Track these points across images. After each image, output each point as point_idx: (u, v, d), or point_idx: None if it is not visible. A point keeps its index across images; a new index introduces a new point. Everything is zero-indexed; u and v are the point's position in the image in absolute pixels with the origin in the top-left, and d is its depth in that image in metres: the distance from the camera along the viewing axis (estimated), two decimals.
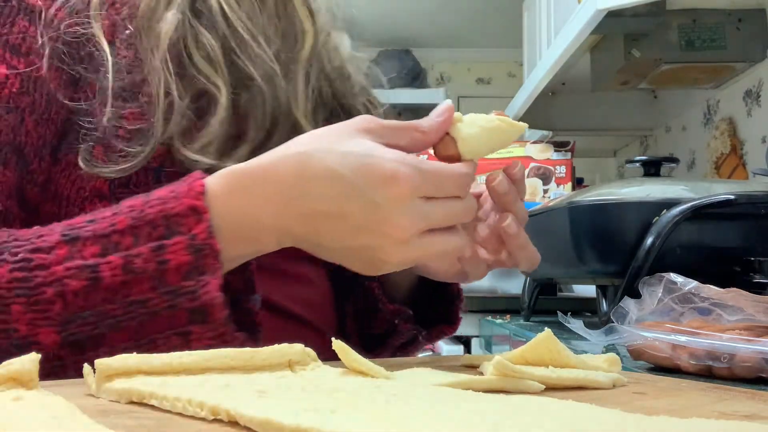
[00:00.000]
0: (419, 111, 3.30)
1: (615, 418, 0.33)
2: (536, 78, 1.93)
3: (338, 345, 0.41)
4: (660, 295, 0.63)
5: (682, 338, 0.54)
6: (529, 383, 0.41)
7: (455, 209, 0.49)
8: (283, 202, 0.47)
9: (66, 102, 0.55)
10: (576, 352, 0.49)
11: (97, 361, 0.37)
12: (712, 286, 0.61)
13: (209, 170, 0.50)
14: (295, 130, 0.57)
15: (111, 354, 0.37)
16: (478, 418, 0.31)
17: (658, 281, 0.64)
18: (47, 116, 0.54)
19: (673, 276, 0.64)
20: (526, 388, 0.41)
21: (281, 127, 0.58)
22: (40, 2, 0.55)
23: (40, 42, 0.54)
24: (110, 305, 0.45)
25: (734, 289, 0.61)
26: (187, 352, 0.39)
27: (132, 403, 0.35)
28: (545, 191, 1.91)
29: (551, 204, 1.03)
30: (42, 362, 0.33)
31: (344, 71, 0.71)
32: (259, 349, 0.41)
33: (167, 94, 0.54)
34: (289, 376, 0.40)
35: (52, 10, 0.55)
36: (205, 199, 0.47)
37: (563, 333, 0.82)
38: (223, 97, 0.55)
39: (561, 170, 1.93)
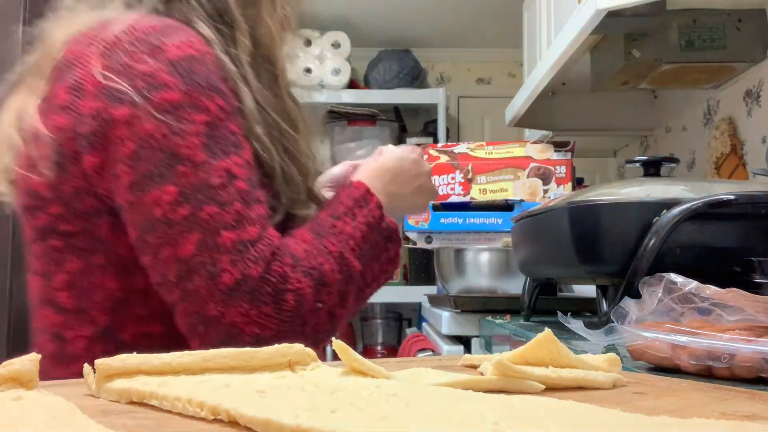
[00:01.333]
0: (419, 111, 3.30)
1: (615, 418, 0.33)
2: (536, 78, 1.93)
3: (338, 345, 0.41)
4: (660, 295, 0.63)
5: (682, 338, 0.54)
6: (529, 383, 0.41)
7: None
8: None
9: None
10: (576, 352, 0.49)
11: (97, 362, 0.37)
12: (711, 286, 0.61)
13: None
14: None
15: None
16: (478, 418, 0.31)
17: (658, 281, 0.64)
18: None
19: (673, 276, 0.64)
20: (527, 388, 0.41)
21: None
22: (237, 105, 0.75)
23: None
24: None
25: (734, 289, 0.61)
26: (187, 352, 0.39)
27: (132, 403, 0.35)
28: (545, 191, 1.91)
29: (551, 204, 1.03)
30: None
31: None
32: (260, 349, 0.41)
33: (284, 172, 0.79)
34: (289, 376, 0.40)
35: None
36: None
37: (563, 333, 0.82)
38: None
39: (561, 170, 1.93)
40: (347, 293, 0.74)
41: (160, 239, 0.66)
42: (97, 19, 0.75)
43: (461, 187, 1.94)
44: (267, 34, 0.80)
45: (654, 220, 0.84)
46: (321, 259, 0.72)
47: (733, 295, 0.60)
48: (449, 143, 2.30)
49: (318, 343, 0.72)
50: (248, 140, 0.74)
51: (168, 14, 0.76)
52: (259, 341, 0.65)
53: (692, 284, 0.62)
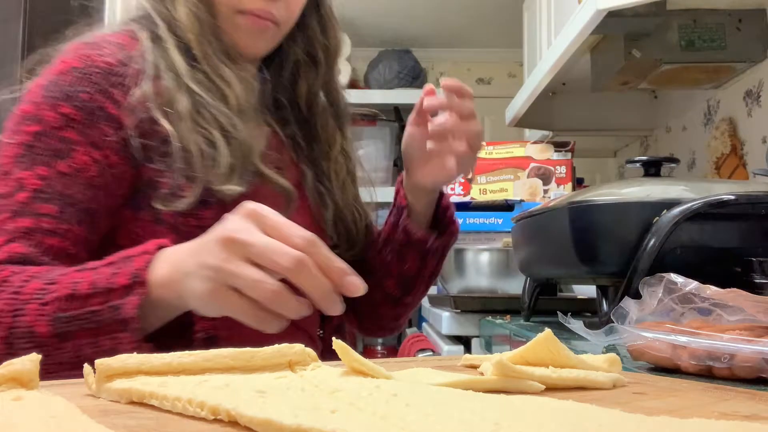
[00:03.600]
0: None
1: (615, 418, 0.33)
2: (536, 78, 1.93)
3: (338, 345, 0.41)
4: (660, 295, 0.63)
5: (683, 339, 0.54)
6: (529, 383, 0.41)
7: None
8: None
9: (136, 172, 0.77)
10: (576, 352, 0.49)
11: (97, 362, 0.37)
12: (712, 287, 0.61)
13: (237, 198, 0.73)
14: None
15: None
16: (478, 418, 0.31)
17: (658, 281, 0.64)
18: (114, 192, 0.77)
19: (674, 276, 0.63)
20: (527, 388, 0.41)
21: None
22: (116, 112, 0.76)
23: (114, 140, 0.76)
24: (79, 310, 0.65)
25: (734, 289, 0.61)
26: (187, 352, 0.39)
27: (132, 403, 0.35)
28: (545, 191, 1.91)
29: (551, 204, 1.03)
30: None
31: None
32: (260, 349, 0.41)
33: (201, 150, 0.77)
34: (289, 376, 0.40)
35: (125, 119, 0.76)
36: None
37: (563, 333, 0.82)
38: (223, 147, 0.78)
39: (561, 170, 1.93)
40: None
41: None
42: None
43: (461, 187, 1.94)
44: (188, 16, 0.82)
45: (654, 221, 0.84)
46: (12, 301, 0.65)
47: (734, 295, 0.60)
48: None
49: None
50: (122, 132, 0.76)
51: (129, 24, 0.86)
52: None
53: (692, 284, 0.62)
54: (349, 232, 0.97)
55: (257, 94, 0.89)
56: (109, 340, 0.63)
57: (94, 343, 0.63)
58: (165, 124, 0.77)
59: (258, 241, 0.57)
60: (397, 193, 0.97)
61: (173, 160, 0.76)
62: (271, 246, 0.57)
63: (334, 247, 0.90)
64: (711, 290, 0.61)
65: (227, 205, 0.72)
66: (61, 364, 0.63)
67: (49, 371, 0.52)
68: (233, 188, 0.76)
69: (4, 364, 0.34)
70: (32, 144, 0.74)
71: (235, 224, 0.59)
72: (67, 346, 0.63)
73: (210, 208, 0.76)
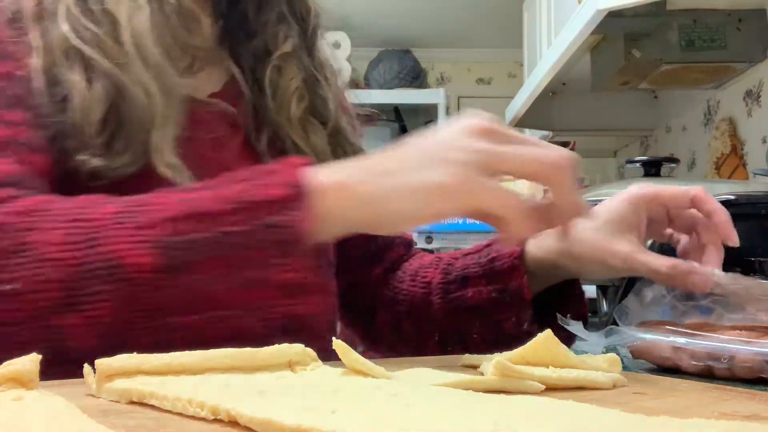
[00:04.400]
0: (419, 111, 3.30)
1: (615, 418, 0.33)
2: (536, 78, 1.93)
3: (338, 345, 0.41)
4: (663, 291, 0.62)
5: (683, 340, 0.54)
6: (529, 383, 0.41)
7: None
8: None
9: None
10: (576, 352, 0.49)
11: (97, 362, 0.37)
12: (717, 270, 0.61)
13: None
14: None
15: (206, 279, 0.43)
16: (478, 418, 0.31)
17: None
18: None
19: None
20: (527, 388, 0.41)
21: None
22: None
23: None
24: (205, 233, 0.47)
25: (737, 275, 0.61)
26: (187, 352, 0.39)
27: (132, 403, 0.35)
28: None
29: None
30: None
31: None
32: (260, 349, 0.41)
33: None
34: (290, 376, 0.40)
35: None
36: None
37: (563, 333, 0.81)
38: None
39: None
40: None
41: None
42: None
43: None
44: None
45: None
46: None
47: (735, 277, 0.59)
48: None
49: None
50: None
51: None
52: None
53: None
54: None
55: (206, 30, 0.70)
56: (259, 269, 0.47)
57: (237, 273, 0.47)
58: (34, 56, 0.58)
59: (515, 138, 0.50)
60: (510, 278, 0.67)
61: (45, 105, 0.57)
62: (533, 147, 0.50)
63: None
64: (715, 274, 0.60)
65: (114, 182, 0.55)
66: (168, 310, 0.46)
67: (139, 329, 0.42)
68: (106, 164, 0.56)
69: (5, 364, 0.34)
70: None
71: (482, 118, 0.50)
72: (184, 282, 0.46)
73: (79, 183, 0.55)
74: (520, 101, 2.14)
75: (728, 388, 0.45)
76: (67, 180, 0.56)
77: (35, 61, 0.58)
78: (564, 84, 1.94)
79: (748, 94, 1.69)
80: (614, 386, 0.45)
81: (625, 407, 0.35)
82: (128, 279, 0.45)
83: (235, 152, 0.68)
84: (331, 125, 0.73)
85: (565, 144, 1.94)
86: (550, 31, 2.11)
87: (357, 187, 0.49)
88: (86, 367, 0.38)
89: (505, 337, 0.66)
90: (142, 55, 0.59)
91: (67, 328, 0.46)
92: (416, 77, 3.22)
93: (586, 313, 0.70)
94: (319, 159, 0.67)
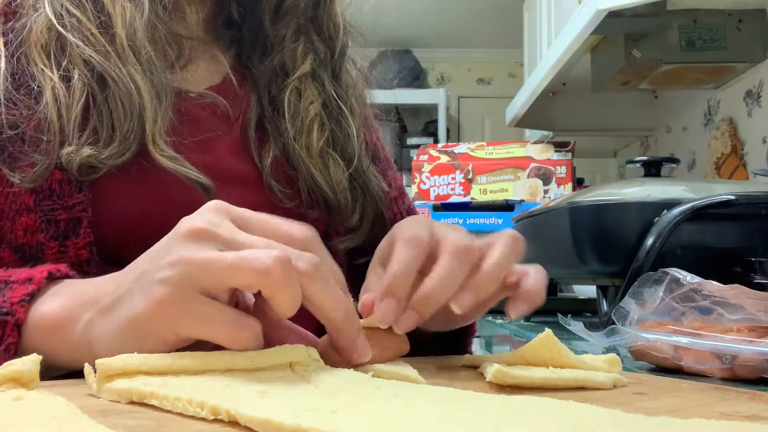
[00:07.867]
0: (419, 111, 3.30)
1: (615, 418, 0.33)
2: (537, 78, 1.93)
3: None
4: (662, 294, 0.62)
5: (684, 340, 0.54)
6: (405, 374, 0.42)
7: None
8: None
9: None
10: (576, 352, 0.49)
11: (97, 361, 0.37)
12: (714, 282, 0.61)
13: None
14: None
15: None
16: (478, 418, 0.31)
17: (663, 275, 0.63)
18: None
19: (676, 271, 0.63)
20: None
21: None
22: None
23: None
24: None
25: (737, 285, 0.61)
26: (188, 352, 0.39)
27: (132, 403, 0.35)
28: (545, 191, 1.91)
29: (551, 204, 1.03)
30: None
31: None
32: (261, 350, 0.41)
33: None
34: (289, 377, 0.40)
35: None
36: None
37: (563, 333, 0.81)
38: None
39: (561, 170, 1.93)
40: None
41: None
42: None
43: (461, 188, 1.94)
44: None
45: (654, 221, 0.84)
46: None
47: (736, 292, 0.59)
48: (449, 143, 2.30)
49: None
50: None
51: None
52: None
53: (696, 279, 0.62)
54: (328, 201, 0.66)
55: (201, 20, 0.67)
56: None
57: None
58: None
59: (239, 235, 0.42)
60: None
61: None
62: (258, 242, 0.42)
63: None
64: (713, 286, 0.60)
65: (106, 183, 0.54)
66: None
67: None
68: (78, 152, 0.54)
69: (5, 364, 0.34)
70: None
71: (204, 216, 0.43)
72: None
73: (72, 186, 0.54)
74: (521, 101, 2.14)
75: (729, 389, 0.45)
76: (66, 180, 0.55)
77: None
78: (564, 84, 1.95)
79: (749, 94, 1.69)
80: (614, 386, 0.45)
81: (625, 407, 0.35)
82: None
83: (229, 147, 0.65)
84: (353, 163, 0.68)
85: (565, 144, 1.94)
86: (550, 31, 2.11)
87: (67, 329, 0.44)
88: (87, 366, 0.38)
89: None
90: (130, 44, 0.58)
91: None
92: (416, 77, 3.23)
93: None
94: (337, 197, 0.65)
